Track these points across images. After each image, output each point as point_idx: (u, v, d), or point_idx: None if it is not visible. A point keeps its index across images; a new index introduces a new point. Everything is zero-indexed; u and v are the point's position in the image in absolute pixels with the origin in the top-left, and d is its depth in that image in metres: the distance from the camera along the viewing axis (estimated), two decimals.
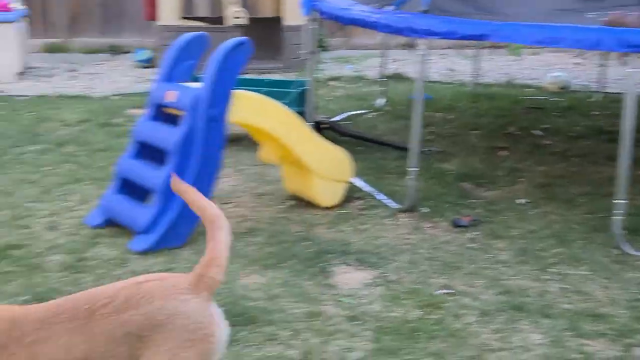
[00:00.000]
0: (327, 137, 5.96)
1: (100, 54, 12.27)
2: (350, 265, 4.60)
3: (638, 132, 4.95)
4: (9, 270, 4.36)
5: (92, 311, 2.39)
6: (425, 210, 5.51)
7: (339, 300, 4.13)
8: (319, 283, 4.34)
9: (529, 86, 10.28)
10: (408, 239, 5.04)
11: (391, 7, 6.71)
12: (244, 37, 4.93)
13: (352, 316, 3.94)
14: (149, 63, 11.52)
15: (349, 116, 8.40)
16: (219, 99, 4.81)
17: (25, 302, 3.93)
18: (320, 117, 7.50)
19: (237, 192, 5.96)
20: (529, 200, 5.75)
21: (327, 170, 5.50)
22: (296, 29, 11.45)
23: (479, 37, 5.27)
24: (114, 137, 7.33)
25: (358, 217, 5.41)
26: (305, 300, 4.12)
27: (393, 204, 5.60)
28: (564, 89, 9.85)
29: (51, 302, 2.52)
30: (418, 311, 4.01)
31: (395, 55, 11.02)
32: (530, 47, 12.07)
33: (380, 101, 8.90)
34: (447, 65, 11.84)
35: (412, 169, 5.46)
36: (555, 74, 10.22)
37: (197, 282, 2.50)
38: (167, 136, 4.93)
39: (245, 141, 6.87)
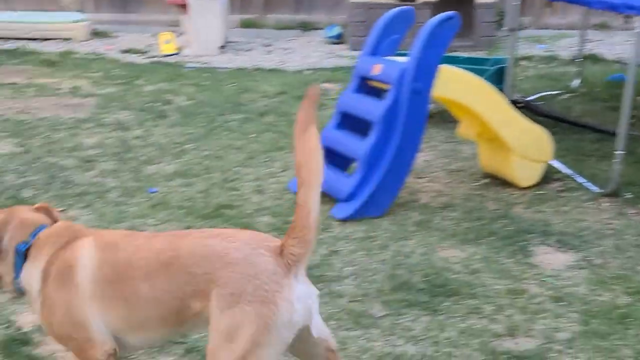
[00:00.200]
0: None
1: (291, 30, 12.70)
2: (551, 246, 4.52)
3: None
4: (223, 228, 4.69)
5: (189, 233, 2.71)
6: (629, 195, 5.27)
7: (542, 280, 4.07)
8: (519, 261, 4.31)
9: None
10: (611, 223, 4.86)
11: None
12: (453, 12, 4.93)
13: (556, 297, 3.88)
14: (338, 39, 11.78)
15: (542, 96, 8.15)
16: (424, 73, 4.86)
17: None
18: (516, 96, 7.34)
19: (431, 167, 6.01)
20: None
21: (527, 149, 5.39)
22: (488, 6, 11.23)
23: None
24: None
25: (557, 199, 5.27)
26: (507, 277, 4.10)
27: (594, 188, 5.40)
28: None
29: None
30: (627, 297, 3.87)
31: (589, 36, 10.52)
32: None
33: (576, 82, 8.55)
34: None
35: (619, 152, 5.23)
36: None
37: (281, 250, 2.48)
38: (371, 108, 5.06)
39: (436, 117, 6.90)
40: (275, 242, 2.53)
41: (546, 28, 12.58)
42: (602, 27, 12.30)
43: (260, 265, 2.43)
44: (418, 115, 4.93)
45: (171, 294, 2.52)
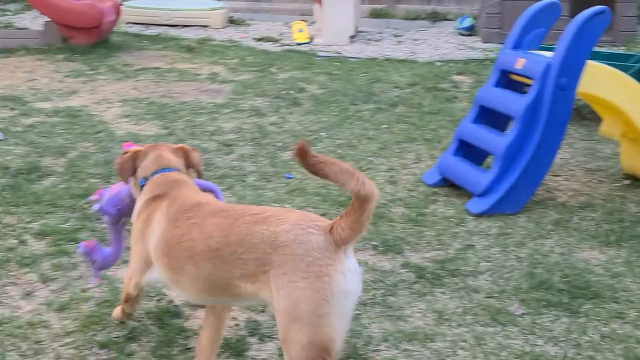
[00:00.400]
0: None
1: (420, 21, 12.63)
2: None
3: None
4: None
5: (241, 216, 2.71)
6: None
7: None
8: None
9: None
10: None
11: None
12: (604, 7, 4.76)
13: None
14: (470, 31, 11.61)
15: None
16: (570, 68, 4.74)
17: (375, 247, 4.31)
18: None
19: (568, 165, 5.85)
20: None
21: None
22: (630, 0, 10.75)
23: None
24: (442, 101, 7.57)
25: None
26: None
27: None
28: None
29: (225, 204, 3.08)
30: None
31: None
32: None
33: None
34: None
35: None
36: None
37: (331, 228, 2.57)
38: (511, 103, 4.98)
39: (573, 114, 6.64)
40: (324, 221, 2.66)
41: None
42: None
43: (311, 243, 2.54)
44: (561, 111, 4.80)
45: (217, 275, 2.72)
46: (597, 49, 8.45)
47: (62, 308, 3.54)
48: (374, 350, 3.32)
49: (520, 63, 5.01)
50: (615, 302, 3.75)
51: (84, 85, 7.87)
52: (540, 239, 4.51)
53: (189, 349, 3.26)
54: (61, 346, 3.26)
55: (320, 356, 2.50)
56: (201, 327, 3.12)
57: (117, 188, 3.38)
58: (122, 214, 3.36)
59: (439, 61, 9.70)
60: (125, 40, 10.53)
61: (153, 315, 3.52)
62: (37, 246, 4.18)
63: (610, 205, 5.03)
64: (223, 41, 10.88)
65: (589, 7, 4.77)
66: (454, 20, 12.25)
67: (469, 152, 5.29)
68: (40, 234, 4.30)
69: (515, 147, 4.84)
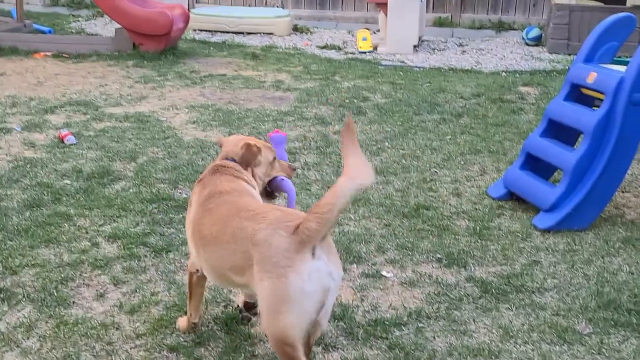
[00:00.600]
0: None
1: (485, 30, 12.51)
2: None
3: None
4: (422, 228, 4.75)
5: (241, 210, 2.92)
6: None
7: None
8: None
9: None
10: None
11: None
12: None
13: None
14: (537, 41, 11.45)
15: None
16: None
17: (439, 260, 4.30)
18: None
19: (637, 181, 5.72)
20: None
21: None
22: None
23: None
24: (507, 112, 7.49)
25: None
26: None
27: None
28: None
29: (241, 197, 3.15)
30: None
31: None
32: None
33: None
34: None
35: None
36: None
37: (297, 227, 2.69)
38: (582, 117, 4.90)
39: None
40: (297, 221, 2.73)
41: None
42: None
43: (275, 245, 2.71)
44: (634, 127, 4.70)
45: (219, 262, 2.98)
46: None
47: (132, 310, 3.65)
48: None
49: (592, 77, 4.92)
50: None
51: (153, 91, 8.07)
52: (608, 256, 4.43)
53: (255, 355, 3.32)
54: (132, 348, 3.36)
55: (281, 348, 2.75)
56: None
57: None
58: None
59: (504, 72, 9.59)
60: (193, 47, 10.74)
61: (220, 321, 3.59)
62: (109, 249, 4.31)
63: None
64: (287, 49, 11.00)
65: None
66: (519, 30, 12.10)
67: (536, 166, 5.22)
68: (112, 237, 4.43)
69: (585, 163, 4.76)
